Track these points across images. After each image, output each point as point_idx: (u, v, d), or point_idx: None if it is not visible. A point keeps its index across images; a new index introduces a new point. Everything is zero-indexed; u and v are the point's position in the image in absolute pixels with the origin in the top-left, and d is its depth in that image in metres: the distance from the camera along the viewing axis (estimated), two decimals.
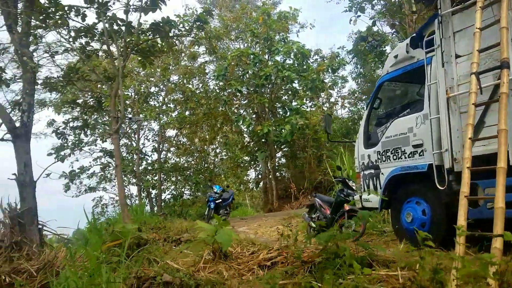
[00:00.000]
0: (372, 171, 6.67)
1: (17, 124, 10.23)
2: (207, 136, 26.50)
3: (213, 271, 5.07)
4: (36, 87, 11.60)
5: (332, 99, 25.58)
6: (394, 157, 6.17)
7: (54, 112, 20.89)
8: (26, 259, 9.28)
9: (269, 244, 6.19)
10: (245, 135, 25.97)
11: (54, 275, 8.97)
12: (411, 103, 6.69)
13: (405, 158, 5.97)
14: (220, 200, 13.12)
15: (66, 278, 4.63)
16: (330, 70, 21.65)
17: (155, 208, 24.56)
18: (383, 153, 6.39)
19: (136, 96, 24.03)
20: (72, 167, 22.53)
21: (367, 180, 6.82)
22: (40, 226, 10.60)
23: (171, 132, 26.56)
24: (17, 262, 9.18)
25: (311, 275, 4.15)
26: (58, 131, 17.72)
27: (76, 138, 20.42)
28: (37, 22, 11.13)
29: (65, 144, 19.40)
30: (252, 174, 29.86)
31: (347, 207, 8.10)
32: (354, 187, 8.44)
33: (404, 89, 7.40)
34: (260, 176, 27.31)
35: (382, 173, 6.44)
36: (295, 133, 19.63)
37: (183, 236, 10.03)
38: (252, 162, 27.75)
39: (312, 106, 24.07)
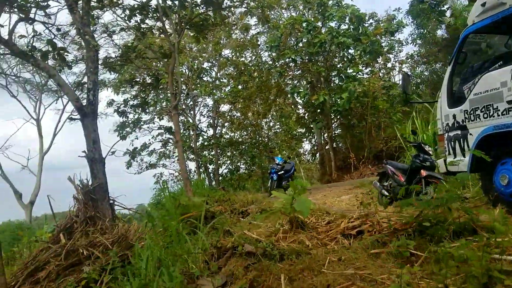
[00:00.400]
0: (459, 132, 6.15)
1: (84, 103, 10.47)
2: (261, 110, 26.33)
3: (293, 241, 4.88)
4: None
5: (389, 65, 24.49)
6: (485, 115, 5.62)
7: (113, 92, 21.46)
8: (100, 233, 9.60)
9: (345, 213, 5.93)
10: (299, 106, 25.57)
11: (128, 248, 9.26)
12: (504, 54, 6.05)
13: (498, 115, 5.41)
14: (282, 172, 12.95)
15: (149, 248, 4.60)
16: (387, 34, 20.62)
17: (213, 183, 24.93)
18: (471, 112, 5.85)
19: (189, 73, 24.16)
20: (133, 145, 23.22)
21: (452, 143, 6.30)
22: (111, 202, 10.92)
23: (225, 107, 26.66)
24: (92, 236, 9.51)
25: (404, 243, 3.84)
26: (119, 109, 18.16)
27: (135, 117, 20.93)
28: (94, 2, 11.23)
29: (126, 122, 19.90)
30: (306, 146, 29.54)
31: (424, 173, 7.66)
32: (430, 152, 7.94)
33: (493, 40, 6.73)
34: (316, 148, 26.93)
35: (470, 134, 5.91)
36: (353, 101, 18.97)
37: (249, 208, 9.99)
38: (307, 134, 27.39)
39: (369, 73, 23.14)
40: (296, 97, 22.70)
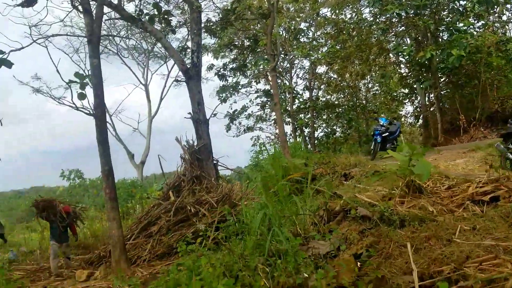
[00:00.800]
0: None
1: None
2: (359, 70, 25.16)
3: (412, 206, 4.49)
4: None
5: (505, 17, 21.71)
6: None
7: (213, 57, 21.83)
8: (206, 192, 9.96)
9: (468, 178, 5.34)
10: (401, 65, 23.97)
11: (232, 207, 9.50)
12: None
13: None
14: (387, 134, 12.24)
15: (262, 206, 4.54)
16: None
17: (309, 146, 24.69)
18: None
19: (286, 35, 23.70)
20: (231, 108, 23.66)
21: None
22: (214, 162, 11.25)
23: (321, 69, 25.92)
24: (198, 194, 9.91)
25: None
26: (219, 73, 18.46)
27: (234, 80, 21.21)
28: None
29: (226, 86, 20.24)
30: (408, 108, 27.85)
31: None
32: None
33: None
34: (419, 110, 25.25)
35: None
36: (464, 57, 17.19)
37: (352, 171, 9.62)
38: (409, 95, 25.76)
39: (481, 27, 20.76)
40: (399, 55, 21.23)
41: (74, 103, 7.92)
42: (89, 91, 7.87)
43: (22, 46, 8.71)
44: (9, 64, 7.58)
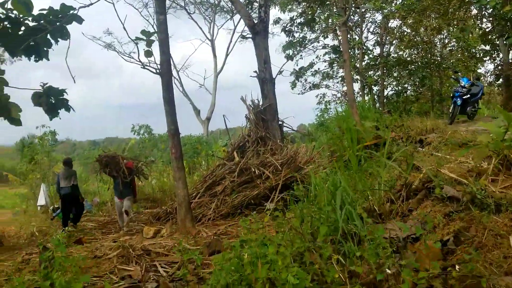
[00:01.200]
0: None
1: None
2: (435, 24, 23.23)
3: (509, 186, 3.92)
4: None
5: None
6: None
7: (280, 10, 21.01)
8: (270, 154, 9.75)
9: None
10: (484, 19, 21.78)
11: (296, 171, 9.23)
12: None
13: None
14: (468, 96, 11.17)
15: (333, 182, 4.18)
16: None
17: (377, 105, 23.60)
18: None
19: None
20: (297, 65, 22.97)
21: None
22: (280, 123, 10.95)
23: (394, 23, 24.22)
24: (263, 156, 9.72)
25: None
26: (286, 28, 17.77)
27: (301, 36, 20.41)
28: None
29: (292, 42, 19.55)
30: (488, 66, 25.59)
31: None
32: None
33: None
34: (501, 68, 23.09)
35: None
36: None
37: (429, 137, 8.91)
38: (490, 52, 23.55)
39: None
40: (482, 9, 19.22)
41: (140, 61, 7.84)
42: (156, 48, 7.75)
43: (91, 2, 8.66)
44: (79, 20, 7.55)
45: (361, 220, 3.54)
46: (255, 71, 10.82)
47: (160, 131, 22.40)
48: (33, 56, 8.59)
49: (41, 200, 14.38)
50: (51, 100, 8.40)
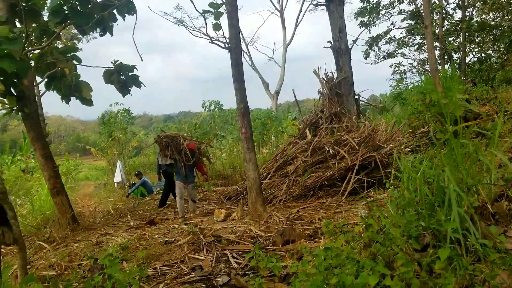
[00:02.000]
0: None
1: None
2: None
3: None
4: None
5: None
6: None
7: None
8: (346, 131, 9.08)
9: None
10: None
11: (374, 150, 8.51)
12: None
13: None
14: None
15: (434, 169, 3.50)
16: None
17: (458, 73, 21.69)
18: None
19: None
20: (370, 33, 21.65)
21: None
22: (356, 97, 10.18)
23: None
24: (337, 134, 9.08)
25: None
26: None
27: (375, 1, 19.08)
28: None
29: (367, 8, 18.32)
30: None
31: None
32: None
33: None
34: None
35: None
36: None
37: None
38: None
39: None
40: None
41: (208, 35, 7.46)
42: (225, 21, 7.31)
43: None
44: None
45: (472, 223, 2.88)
46: (329, 41, 10.06)
47: (231, 106, 22.38)
48: (99, 30, 8.59)
49: (118, 177, 14.87)
50: (122, 78, 8.38)
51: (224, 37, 7.41)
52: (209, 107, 18.90)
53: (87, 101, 7.41)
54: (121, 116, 16.60)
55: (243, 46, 30.72)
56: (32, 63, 7.43)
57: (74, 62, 8.05)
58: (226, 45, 7.34)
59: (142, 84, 8.68)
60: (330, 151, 8.58)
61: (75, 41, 20.12)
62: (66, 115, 78.39)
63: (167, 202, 10.08)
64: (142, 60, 7.21)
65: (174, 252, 5.39)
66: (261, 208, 7.11)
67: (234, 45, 7.23)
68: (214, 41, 7.32)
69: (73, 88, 7.24)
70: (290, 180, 8.78)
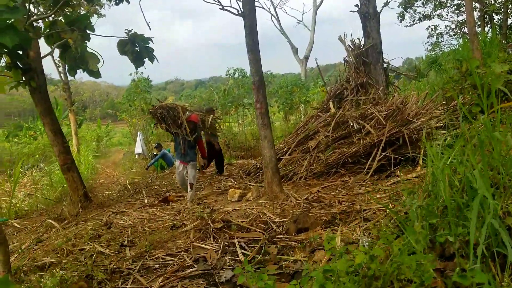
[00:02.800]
0: None
1: None
2: None
3: None
4: None
5: None
6: None
7: None
8: (372, 104, 8.40)
9: None
10: None
11: (403, 125, 7.84)
12: None
13: None
14: None
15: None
16: None
17: (499, 37, 20.18)
18: None
19: None
20: None
21: None
22: (385, 65, 9.38)
23: None
24: (363, 107, 8.42)
25: None
26: None
27: None
28: None
29: None
30: None
31: None
32: None
33: None
34: None
35: None
36: None
37: None
38: None
39: None
40: None
41: (219, 1, 6.87)
42: None
43: None
44: None
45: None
46: (356, 5, 9.23)
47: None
48: None
49: (138, 148, 14.68)
50: (136, 49, 7.93)
51: (238, 2, 6.81)
52: (233, 74, 18.32)
53: (95, 73, 7.00)
54: (141, 85, 16.27)
55: (271, 9, 29.68)
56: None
57: (88, 31, 7.65)
58: (240, 10, 6.74)
59: (155, 58, 8.25)
60: (355, 125, 7.97)
61: (97, 7, 19.73)
62: (100, 80, 79.76)
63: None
64: (150, 29, 6.74)
65: (180, 238, 5.05)
66: (277, 188, 6.66)
67: (248, 11, 6.62)
68: (225, 8, 6.72)
69: (78, 60, 6.84)
70: (311, 156, 8.27)
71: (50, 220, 6.79)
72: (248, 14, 6.61)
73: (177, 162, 7.59)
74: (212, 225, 5.18)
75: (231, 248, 4.58)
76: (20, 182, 11.54)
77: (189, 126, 7.28)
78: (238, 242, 4.67)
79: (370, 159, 7.61)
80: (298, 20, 29.99)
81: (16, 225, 7.42)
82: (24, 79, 6.99)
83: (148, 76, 16.72)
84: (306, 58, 28.32)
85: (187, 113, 7.47)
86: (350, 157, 7.82)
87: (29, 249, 5.70)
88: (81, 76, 73.26)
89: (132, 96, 16.49)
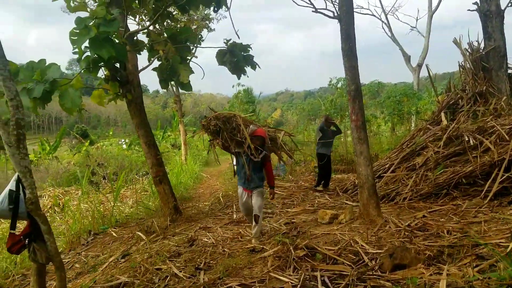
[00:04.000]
0: None
1: None
2: None
3: None
4: None
5: None
6: None
7: None
8: (493, 116, 7.15)
9: None
10: None
11: None
12: None
13: None
14: None
15: None
16: None
17: None
18: None
19: None
20: None
21: None
22: (509, 71, 8.00)
23: None
24: (481, 120, 7.21)
25: None
26: None
27: None
28: None
29: None
30: None
31: None
32: None
33: None
34: None
35: None
36: None
37: None
38: None
39: None
40: None
41: (312, 3, 6.34)
42: None
43: None
44: None
45: None
46: (475, 3, 8.03)
47: (370, 79, 20.52)
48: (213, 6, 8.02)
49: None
50: (235, 59, 7.75)
51: (334, 4, 6.24)
52: (336, 84, 17.56)
53: (186, 86, 6.93)
54: (241, 96, 16.33)
55: (382, 16, 28.28)
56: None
57: (188, 43, 7.68)
58: (336, 13, 6.15)
59: (256, 65, 8.00)
60: (471, 141, 6.84)
61: (207, 22, 20.45)
62: (216, 92, 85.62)
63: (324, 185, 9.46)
64: (239, 37, 6.43)
65: (257, 266, 4.57)
66: (374, 212, 5.88)
67: (345, 13, 6.00)
68: (319, 10, 6.17)
69: (169, 72, 6.80)
70: (417, 175, 7.30)
71: (139, 233, 6.80)
72: (345, 17, 5.99)
73: (239, 189, 5.96)
74: (293, 252, 4.63)
75: (312, 283, 3.98)
76: (133, 189, 12.09)
77: (255, 142, 5.68)
78: (321, 276, 4.05)
79: (490, 181, 6.43)
80: (412, 27, 28.15)
81: (114, 234, 7.58)
82: (121, 91, 7.17)
83: (248, 87, 16.77)
84: (419, 66, 26.36)
85: (251, 126, 5.85)
86: (465, 178, 6.71)
87: (115, 262, 5.69)
88: (200, 89, 79.20)
89: (233, 107, 16.63)
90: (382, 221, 5.75)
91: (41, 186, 14.80)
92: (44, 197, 12.31)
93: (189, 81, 6.84)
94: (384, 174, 7.75)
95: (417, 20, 29.30)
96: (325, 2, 6.45)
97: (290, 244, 4.79)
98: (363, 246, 4.83)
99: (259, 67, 8.18)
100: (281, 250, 4.79)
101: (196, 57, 7.88)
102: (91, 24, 5.57)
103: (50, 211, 11.07)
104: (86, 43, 5.54)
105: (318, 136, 9.41)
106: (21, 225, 5.26)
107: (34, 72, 5.59)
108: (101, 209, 9.00)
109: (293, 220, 6.73)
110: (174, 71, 6.83)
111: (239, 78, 8.48)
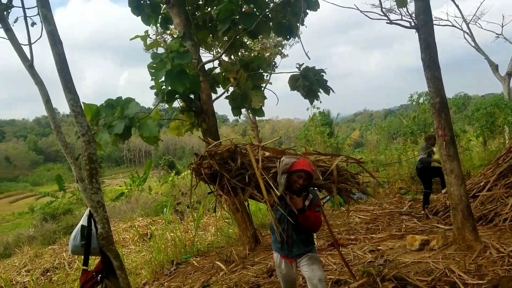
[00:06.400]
0: None
1: None
2: None
3: None
4: None
5: None
6: None
7: None
8: None
9: None
10: None
11: None
12: None
13: None
14: None
15: None
16: None
17: None
18: None
19: None
20: None
21: None
22: None
23: None
24: None
25: None
26: None
27: None
28: None
29: None
30: None
31: None
32: None
33: None
34: None
35: None
36: None
37: None
38: None
39: None
40: None
41: (386, 15, 6.02)
42: None
43: None
44: None
45: None
46: None
47: (448, 94, 19.23)
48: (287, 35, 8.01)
49: None
50: (307, 83, 7.63)
51: (409, 14, 5.87)
52: (417, 100, 16.60)
53: (258, 112, 6.87)
54: (316, 119, 16.03)
55: (463, 26, 26.65)
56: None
57: (260, 70, 7.70)
58: (413, 23, 5.78)
59: (330, 89, 7.81)
60: None
61: (279, 48, 20.65)
62: (293, 117, 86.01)
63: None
64: (309, 58, 6.22)
65: None
66: (471, 236, 5.27)
67: (423, 22, 5.60)
68: (394, 22, 5.83)
69: (241, 99, 6.79)
70: None
71: (218, 262, 6.72)
72: (423, 26, 5.59)
73: (275, 255, 3.96)
74: (381, 284, 4.22)
75: None
76: (215, 216, 12.16)
77: (297, 182, 3.56)
78: None
79: None
80: (497, 34, 26.19)
81: (195, 263, 7.58)
82: (196, 121, 7.27)
83: (324, 110, 16.47)
84: (509, 74, 24.29)
85: (284, 159, 3.66)
86: None
87: None
88: (277, 115, 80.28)
89: (308, 131, 16.40)
90: (481, 246, 5.12)
91: (131, 217, 15.52)
92: (134, 228, 12.77)
93: (261, 106, 6.77)
94: (479, 193, 7.01)
95: (502, 26, 27.20)
96: (401, 13, 6.08)
97: (377, 275, 4.39)
98: (460, 276, 4.31)
99: (333, 91, 7.94)
100: (366, 282, 4.40)
101: (271, 83, 7.82)
102: (165, 57, 5.74)
103: (139, 241, 11.47)
104: (163, 78, 5.73)
105: (421, 155, 8.83)
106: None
107: (114, 109, 5.85)
108: (184, 238, 9.10)
109: (379, 247, 6.24)
110: (245, 98, 6.80)
111: (311, 103, 8.30)
